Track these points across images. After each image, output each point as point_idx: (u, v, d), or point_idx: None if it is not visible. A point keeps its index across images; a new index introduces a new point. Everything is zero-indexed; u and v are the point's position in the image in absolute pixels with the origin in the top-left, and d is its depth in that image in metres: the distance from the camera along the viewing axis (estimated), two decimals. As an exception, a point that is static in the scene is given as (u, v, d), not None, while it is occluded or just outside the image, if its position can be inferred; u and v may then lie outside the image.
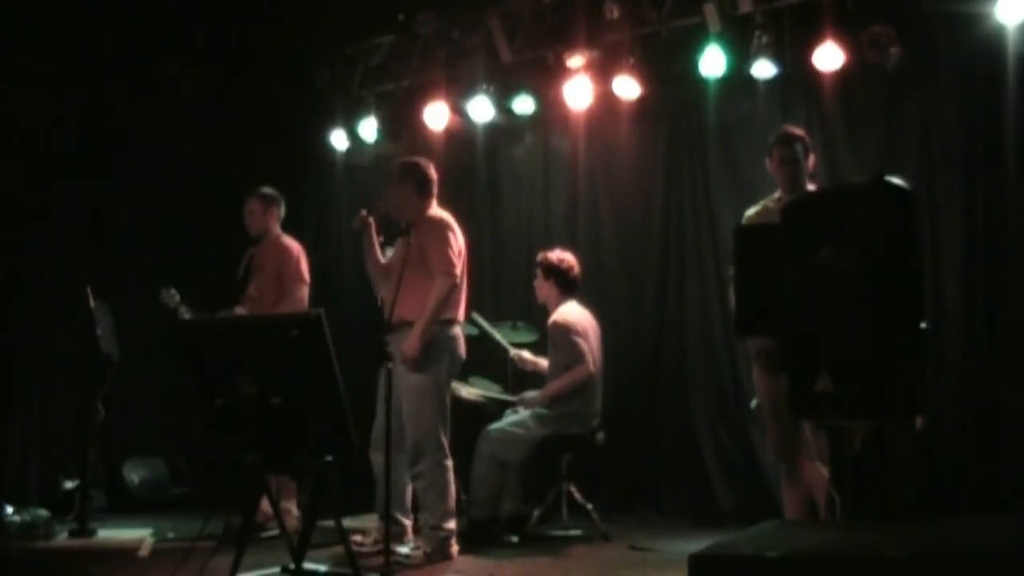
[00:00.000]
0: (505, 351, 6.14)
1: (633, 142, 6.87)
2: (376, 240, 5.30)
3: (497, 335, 6.20)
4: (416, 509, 5.19)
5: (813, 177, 4.82)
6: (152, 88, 7.43)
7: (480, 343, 6.36)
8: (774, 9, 6.02)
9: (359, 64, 7.49)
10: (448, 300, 4.93)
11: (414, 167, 5.32)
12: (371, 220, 5.28)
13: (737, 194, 6.11)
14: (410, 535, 5.19)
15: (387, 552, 4.33)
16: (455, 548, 5.03)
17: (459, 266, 5.05)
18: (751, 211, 4.84)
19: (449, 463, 5.00)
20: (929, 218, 5.69)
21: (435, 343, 4.92)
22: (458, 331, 5.15)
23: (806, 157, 4.73)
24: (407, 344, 4.89)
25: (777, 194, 4.77)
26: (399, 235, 5.19)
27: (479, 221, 7.45)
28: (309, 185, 7.97)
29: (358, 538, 5.15)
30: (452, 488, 5.02)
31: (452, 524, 5.02)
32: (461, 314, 5.21)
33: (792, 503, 4.61)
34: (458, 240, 5.09)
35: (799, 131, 4.87)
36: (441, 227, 5.01)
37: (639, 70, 6.40)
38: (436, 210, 5.24)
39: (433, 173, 5.32)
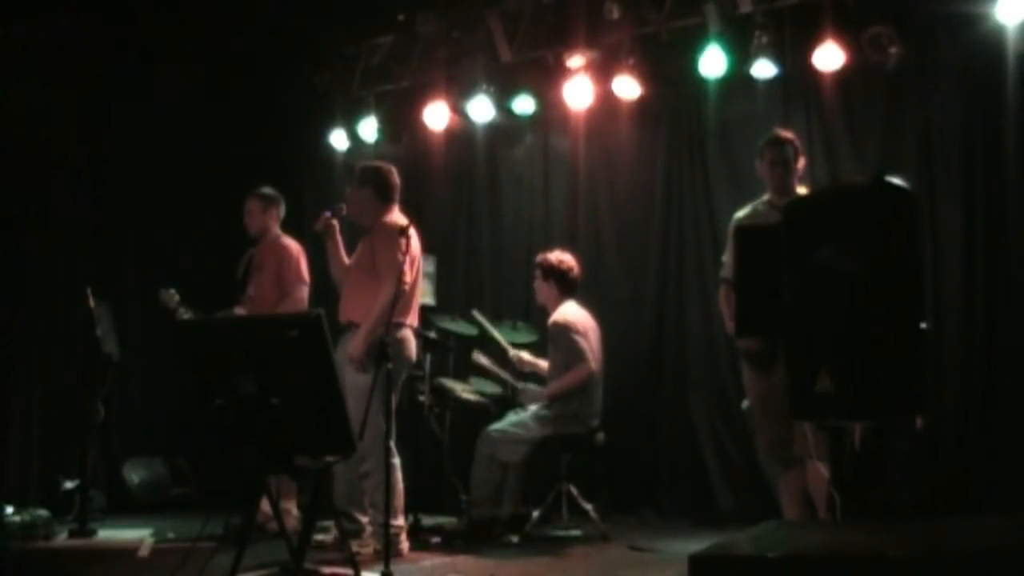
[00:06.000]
0: (504, 351, 6.14)
1: (633, 142, 6.87)
2: (340, 242, 5.36)
3: (497, 334, 6.19)
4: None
5: (803, 179, 4.87)
6: (152, 88, 7.44)
7: (480, 343, 6.36)
8: (774, 9, 6.03)
9: (359, 64, 7.49)
10: (395, 304, 4.86)
11: (376, 171, 5.35)
12: (334, 222, 5.31)
13: (737, 194, 6.10)
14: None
15: (386, 552, 4.32)
16: (405, 545, 5.08)
17: (409, 272, 5.04)
18: (741, 213, 4.87)
19: (397, 462, 4.98)
20: (929, 218, 5.69)
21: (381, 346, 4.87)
22: (407, 334, 5.17)
23: (796, 159, 4.78)
24: (352, 346, 4.96)
25: (767, 196, 4.82)
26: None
27: (479, 221, 7.45)
28: (309, 185, 7.96)
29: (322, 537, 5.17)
30: (400, 486, 5.03)
31: (400, 521, 5.07)
32: (412, 318, 5.23)
33: (790, 503, 4.61)
34: (411, 246, 5.01)
35: (789, 134, 4.90)
36: (393, 232, 4.91)
37: (639, 70, 6.41)
38: (395, 215, 5.23)
39: (395, 179, 5.35)
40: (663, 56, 6.52)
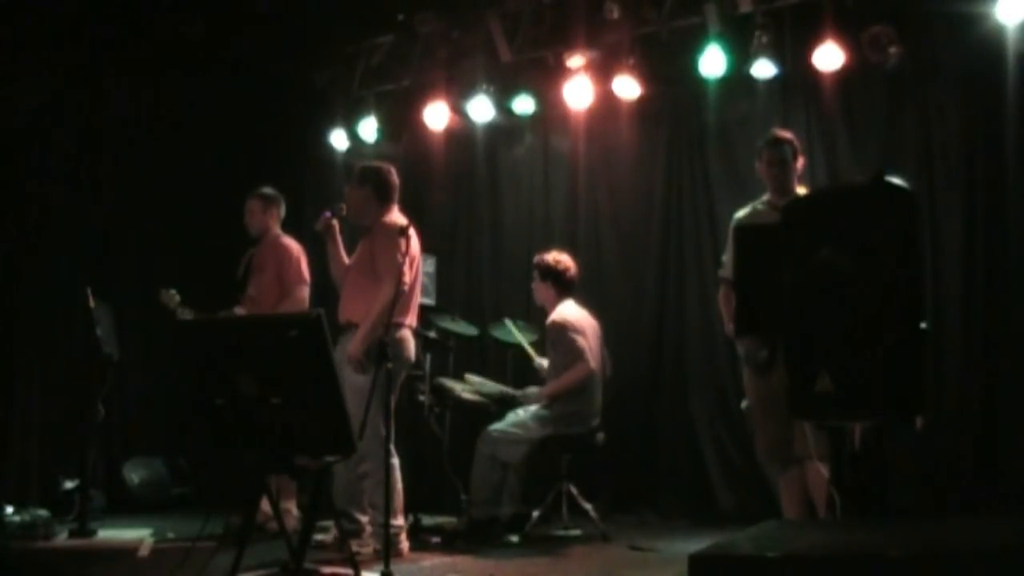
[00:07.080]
0: (530, 359, 6.13)
1: (633, 142, 6.87)
2: (340, 242, 5.35)
3: (525, 342, 6.19)
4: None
5: (803, 179, 4.87)
6: (153, 87, 7.44)
7: (481, 342, 6.36)
8: (774, 9, 6.03)
9: (359, 64, 7.49)
10: (395, 304, 4.82)
11: (375, 171, 5.35)
12: (334, 222, 5.31)
13: (737, 194, 6.10)
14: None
15: (386, 552, 4.32)
16: (405, 545, 5.08)
17: (408, 272, 5.03)
18: (741, 213, 4.87)
19: (396, 462, 4.97)
20: (929, 218, 5.69)
21: (380, 346, 4.86)
22: (406, 334, 5.16)
23: (795, 159, 4.78)
24: (351, 346, 4.95)
25: (766, 196, 4.82)
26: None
27: (479, 221, 7.46)
28: (309, 185, 7.96)
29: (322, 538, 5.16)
30: (400, 486, 5.02)
31: (400, 521, 5.06)
32: (411, 318, 5.22)
33: (790, 503, 4.61)
34: (411, 246, 4.99)
35: (788, 134, 4.91)
36: (392, 232, 4.90)
37: (639, 70, 6.41)
38: (394, 215, 5.22)
39: (395, 179, 5.34)
40: (663, 56, 6.52)
